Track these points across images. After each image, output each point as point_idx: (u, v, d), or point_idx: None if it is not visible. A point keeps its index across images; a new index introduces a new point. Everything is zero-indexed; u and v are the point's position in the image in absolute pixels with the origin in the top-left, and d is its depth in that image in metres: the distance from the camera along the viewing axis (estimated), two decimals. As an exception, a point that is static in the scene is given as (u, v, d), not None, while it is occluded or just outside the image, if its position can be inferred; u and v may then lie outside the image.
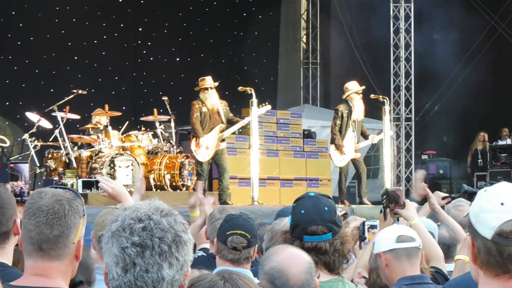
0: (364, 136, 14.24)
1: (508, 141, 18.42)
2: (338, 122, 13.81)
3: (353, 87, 13.85)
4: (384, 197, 4.78)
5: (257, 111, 13.20)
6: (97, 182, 4.19)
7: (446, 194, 5.77)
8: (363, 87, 14.12)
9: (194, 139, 12.64)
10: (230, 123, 12.91)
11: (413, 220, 4.70)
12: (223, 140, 12.83)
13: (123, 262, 2.16)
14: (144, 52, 18.72)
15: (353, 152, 13.95)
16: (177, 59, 19.08)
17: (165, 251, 2.17)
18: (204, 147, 12.57)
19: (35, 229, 2.54)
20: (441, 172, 19.98)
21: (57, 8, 17.34)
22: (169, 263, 2.17)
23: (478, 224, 2.12)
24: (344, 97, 13.91)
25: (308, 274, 3.00)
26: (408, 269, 3.99)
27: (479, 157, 18.75)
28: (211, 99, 12.60)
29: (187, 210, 6.26)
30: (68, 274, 2.60)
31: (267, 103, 13.48)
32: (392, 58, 18.43)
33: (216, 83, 12.76)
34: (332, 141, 14.01)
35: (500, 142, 18.37)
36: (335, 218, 3.52)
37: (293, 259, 3.02)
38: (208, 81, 12.65)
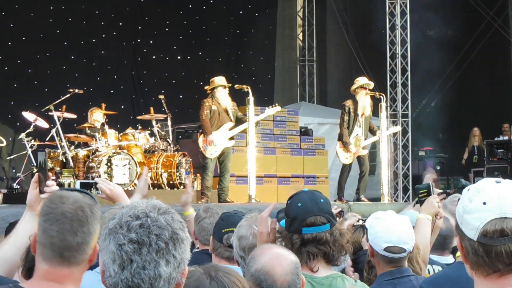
0: (372, 132, 14.18)
1: (505, 137, 18.44)
2: (346, 117, 13.74)
3: (359, 82, 13.81)
4: (424, 191, 4.93)
5: (268, 111, 13.41)
6: (95, 183, 4.21)
7: (441, 191, 5.80)
8: (371, 83, 14.01)
9: (202, 135, 12.71)
10: (239, 121, 12.98)
11: (419, 215, 4.74)
12: (231, 138, 12.92)
13: (120, 259, 2.17)
14: (145, 50, 18.70)
15: (359, 148, 13.90)
16: (179, 57, 19.08)
17: (162, 248, 2.17)
18: (214, 144, 12.64)
19: (58, 235, 2.50)
20: (438, 168, 20.00)
21: (51, 8, 17.30)
22: (166, 260, 2.18)
23: (463, 225, 2.10)
24: (351, 90, 13.89)
25: (294, 275, 2.99)
26: (391, 268, 4.03)
27: (475, 153, 18.78)
28: (224, 98, 12.71)
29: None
30: (81, 279, 2.59)
31: (276, 104, 13.66)
32: (388, 55, 18.42)
33: (230, 84, 12.87)
34: (340, 138, 13.96)
35: (502, 138, 18.36)
36: (332, 211, 3.58)
37: (278, 260, 3.01)
38: (224, 80, 12.79)
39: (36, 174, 3.26)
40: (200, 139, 12.74)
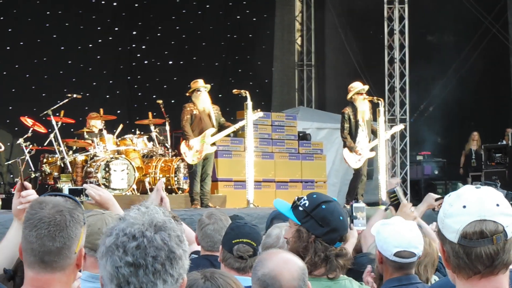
0: (375, 134, 14.14)
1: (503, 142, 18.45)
2: (347, 125, 13.67)
3: (355, 88, 13.75)
4: (394, 195, 5.17)
5: (251, 117, 13.15)
6: (84, 189, 4.20)
7: (439, 196, 5.79)
8: (366, 87, 13.97)
9: (184, 141, 12.56)
10: (222, 127, 12.80)
11: None
12: (213, 144, 12.75)
13: (117, 280, 2.17)
14: (138, 55, 18.71)
15: (368, 151, 13.86)
16: (170, 62, 19.06)
17: (159, 270, 2.17)
18: (194, 150, 12.50)
19: (36, 241, 2.51)
20: (436, 172, 20.00)
21: (48, 12, 17.28)
22: (163, 280, 2.18)
23: (444, 229, 2.17)
24: (348, 98, 13.84)
25: (300, 280, 2.99)
26: (400, 274, 4.01)
27: (473, 157, 18.78)
28: (202, 101, 12.51)
29: (182, 214, 6.30)
30: (69, 284, 2.59)
31: (259, 109, 13.46)
32: (386, 59, 18.43)
33: (208, 86, 12.70)
34: (344, 145, 13.91)
35: (505, 142, 18.37)
36: None
37: (286, 265, 3.01)
38: (200, 83, 12.60)
39: (18, 182, 3.28)
40: (182, 144, 12.56)
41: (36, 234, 2.50)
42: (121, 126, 13.98)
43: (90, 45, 17.82)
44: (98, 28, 18.04)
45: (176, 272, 2.20)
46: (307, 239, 3.56)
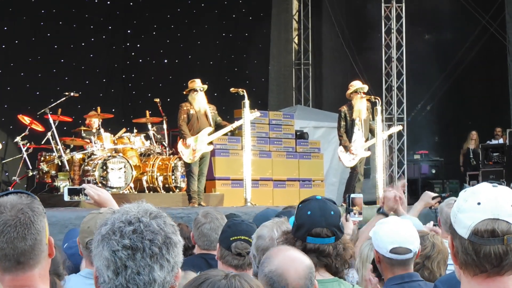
0: (373, 133, 14.12)
1: (500, 141, 18.45)
2: (343, 123, 13.66)
3: (353, 86, 13.70)
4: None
5: (247, 117, 13.13)
6: (83, 189, 4.22)
7: (436, 194, 5.80)
8: (365, 86, 13.92)
9: (181, 140, 12.55)
10: (218, 127, 12.79)
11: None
12: (210, 143, 12.74)
13: (114, 265, 2.16)
14: (133, 54, 18.70)
15: (363, 151, 13.83)
16: (165, 61, 19.06)
17: (156, 253, 2.17)
18: (191, 149, 12.48)
19: (8, 246, 2.47)
20: (433, 172, 20.00)
21: (43, 11, 17.27)
22: (160, 265, 2.18)
23: (456, 223, 2.16)
24: (346, 95, 13.82)
25: (307, 279, 2.99)
26: (400, 272, 3.99)
27: (471, 156, 18.79)
28: (199, 101, 12.49)
29: (179, 212, 6.30)
30: (47, 275, 2.58)
31: (255, 110, 13.44)
32: (384, 59, 18.43)
33: (205, 86, 12.68)
34: (340, 143, 13.88)
35: (493, 141, 18.38)
36: (339, 224, 3.63)
37: (293, 263, 3.01)
38: (197, 83, 12.56)
39: None
40: (180, 143, 12.54)
41: (5, 239, 2.47)
42: (123, 130, 14.00)
43: (83, 44, 17.79)
44: (91, 26, 18.01)
45: (173, 259, 2.21)
46: (291, 239, 3.58)
